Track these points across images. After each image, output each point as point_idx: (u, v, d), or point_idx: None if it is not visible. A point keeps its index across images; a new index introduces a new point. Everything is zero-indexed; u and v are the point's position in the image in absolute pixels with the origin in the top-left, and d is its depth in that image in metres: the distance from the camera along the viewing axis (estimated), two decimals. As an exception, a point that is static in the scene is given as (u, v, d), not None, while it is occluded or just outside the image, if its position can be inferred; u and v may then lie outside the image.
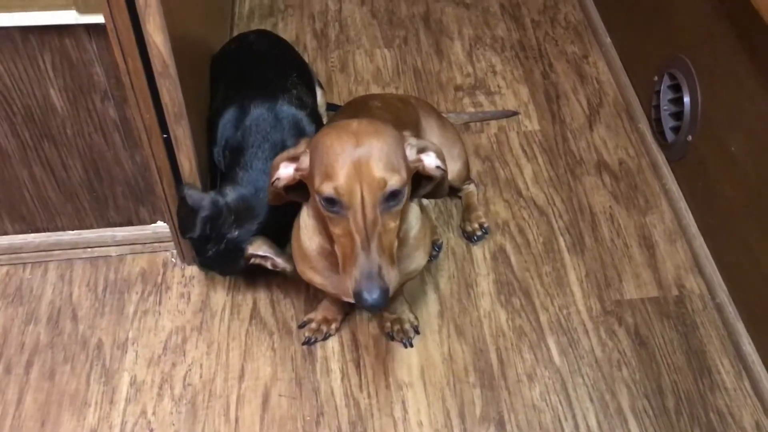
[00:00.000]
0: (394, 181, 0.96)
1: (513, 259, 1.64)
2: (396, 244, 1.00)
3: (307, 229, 1.18)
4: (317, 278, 1.23)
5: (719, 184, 1.56)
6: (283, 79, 1.52)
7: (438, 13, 2.25)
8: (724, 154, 1.52)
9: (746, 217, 1.47)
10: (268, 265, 1.41)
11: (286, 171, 1.08)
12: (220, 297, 1.56)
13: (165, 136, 1.33)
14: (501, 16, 2.24)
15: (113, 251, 1.61)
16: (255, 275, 1.58)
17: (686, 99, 1.64)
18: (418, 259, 1.25)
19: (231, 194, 1.39)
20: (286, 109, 1.46)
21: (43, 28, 1.19)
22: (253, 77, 1.52)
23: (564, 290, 1.59)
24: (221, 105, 1.49)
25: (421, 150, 1.07)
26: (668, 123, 1.75)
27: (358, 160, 0.95)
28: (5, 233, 1.56)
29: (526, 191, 1.77)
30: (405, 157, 1.02)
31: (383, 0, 2.29)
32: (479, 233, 1.65)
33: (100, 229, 1.58)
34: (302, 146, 1.07)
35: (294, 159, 1.07)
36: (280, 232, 1.42)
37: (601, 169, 1.82)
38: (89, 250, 1.61)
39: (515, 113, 1.94)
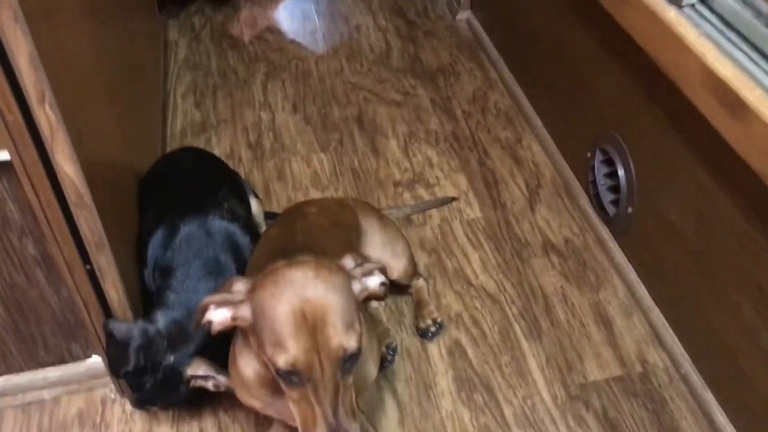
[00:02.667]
0: (353, 343, 0.90)
1: (470, 352, 1.58)
2: (354, 402, 0.94)
3: (242, 356, 1.12)
4: (259, 405, 1.15)
5: (665, 253, 1.54)
6: (213, 193, 1.49)
7: (371, 114, 2.26)
8: (665, 223, 1.52)
9: (695, 282, 1.44)
10: (210, 385, 1.33)
11: (220, 316, 0.99)
12: (164, 430, 1.46)
13: (88, 267, 1.26)
14: (432, 110, 2.27)
15: (46, 394, 1.51)
16: (199, 403, 1.48)
17: (621, 173, 1.65)
18: (369, 372, 1.19)
19: (162, 319, 1.32)
20: (218, 224, 1.42)
21: (-51, 169, 1.14)
22: (181, 195, 1.48)
23: (526, 379, 1.52)
24: (150, 226, 1.44)
25: (366, 274, 1.02)
26: (607, 197, 1.76)
27: (313, 327, 0.89)
28: (-74, 388, 1.45)
29: (476, 280, 1.73)
30: (357, 303, 0.97)
31: (315, 106, 2.30)
32: (433, 329, 1.59)
33: (30, 372, 1.48)
34: (239, 294, 0.98)
35: (227, 304, 0.99)
36: (219, 352, 1.34)
37: (547, 250, 1.80)
38: (20, 395, 1.50)
39: (453, 199, 1.93)
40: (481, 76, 2.39)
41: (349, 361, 0.91)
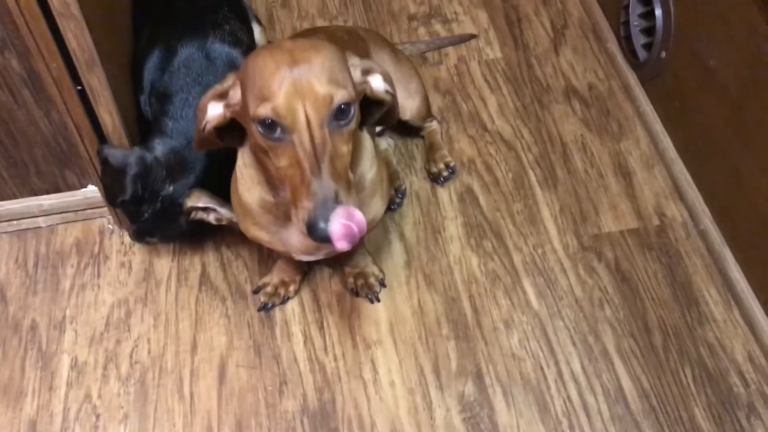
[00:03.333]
0: (341, 96, 0.84)
1: (482, 199, 1.52)
2: (350, 174, 0.87)
3: (245, 180, 1.05)
4: (262, 235, 1.09)
5: (697, 103, 1.44)
6: (213, 12, 1.36)
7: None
8: (702, 69, 1.40)
9: (728, 135, 1.35)
10: (212, 219, 1.27)
11: (214, 111, 0.94)
12: (164, 263, 1.42)
13: (79, 87, 1.16)
14: (454, -64, 2.06)
15: (42, 222, 1.46)
16: (201, 237, 1.44)
17: (658, 12, 1.51)
18: (375, 207, 1.12)
19: (160, 147, 1.24)
20: (219, 48, 1.30)
21: None
22: (179, 12, 1.35)
23: (538, 228, 1.47)
24: (146, 46, 1.32)
25: (366, 71, 0.94)
26: (639, 40, 1.62)
27: (298, 77, 0.83)
28: None
29: (492, 125, 1.64)
30: (350, 74, 0.90)
31: (325, -73, 2.09)
32: (446, 174, 1.52)
33: (24, 199, 1.42)
34: (230, 79, 0.93)
35: (223, 95, 0.93)
36: (221, 184, 1.28)
37: (569, 96, 1.69)
38: (14, 222, 1.45)
39: (473, 36, 1.79)
40: None
41: (339, 116, 0.85)
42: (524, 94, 1.69)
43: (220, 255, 1.43)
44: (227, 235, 1.44)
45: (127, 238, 1.45)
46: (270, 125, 0.85)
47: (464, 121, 1.64)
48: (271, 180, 0.98)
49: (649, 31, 1.58)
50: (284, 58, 0.84)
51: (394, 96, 0.98)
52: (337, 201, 0.83)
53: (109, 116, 1.20)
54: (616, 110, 1.66)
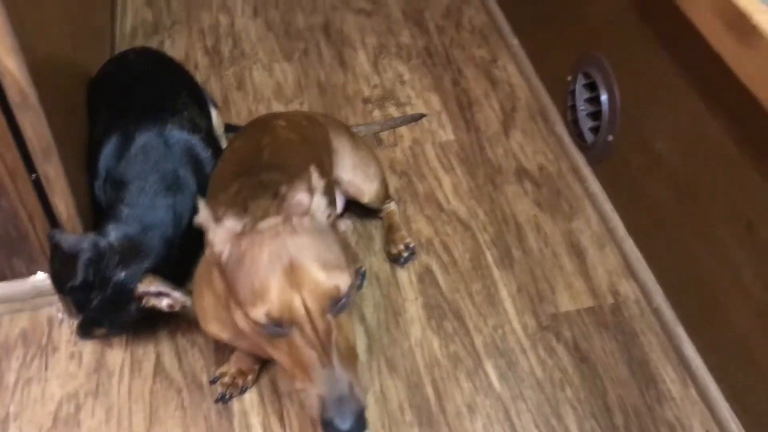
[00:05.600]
0: (342, 282, 0.81)
1: (441, 279, 1.52)
2: (355, 340, 0.86)
3: (212, 279, 1.02)
4: (225, 334, 1.07)
5: (646, 184, 1.50)
6: (172, 100, 1.36)
7: (338, 23, 2.12)
8: (649, 152, 1.46)
9: (677, 215, 1.41)
10: (164, 305, 1.24)
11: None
12: (117, 353, 1.37)
13: (34, 176, 1.13)
14: (404, 22, 2.13)
15: (-14, 312, 1.39)
16: (154, 326, 1.40)
17: (603, 97, 1.58)
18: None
19: (114, 233, 1.21)
20: (177, 134, 1.30)
21: None
22: (136, 100, 1.35)
23: (497, 308, 1.48)
24: (102, 133, 1.31)
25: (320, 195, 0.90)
26: (586, 124, 1.69)
27: (291, 272, 0.79)
28: None
29: (448, 205, 1.66)
30: (338, 243, 0.87)
31: (278, 11, 2.14)
32: (406, 254, 1.52)
33: (-32, 288, 1.36)
34: (216, 234, 0.88)
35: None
36: (175, 272, 1.25)
37: (521, 176, 1.73)
38: (-44, 313, 1.38)
39: (423, 115, 1.84)
40: (455, -11, 2.26)
41: (341, 300, 0.82)
42: (478, 174, 1.73)
43: (174, 343, 1.39)
44: (182, 322, 1.41)
45: (77, 328, 1.39)
46: (267, 327, 0.81)
47: (421, 202, 1.66)
48: None
49: (595, 115, 1.65)
50: (274, 252, 0.80)
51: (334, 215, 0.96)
52: (352, 395, 0.79)
53: (63, 204, 1.18)
54: (566, 191, 1.71)
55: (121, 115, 1.31)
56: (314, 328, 0.79)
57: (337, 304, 0.81)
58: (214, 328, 1.06)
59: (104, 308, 1.22)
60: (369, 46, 2.05)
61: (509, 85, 1.96)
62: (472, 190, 1.70)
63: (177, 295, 1.22)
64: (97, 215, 1.33)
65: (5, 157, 1.08)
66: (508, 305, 1.49)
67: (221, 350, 1.38)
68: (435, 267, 1.55)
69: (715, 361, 1.35)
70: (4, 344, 1.37)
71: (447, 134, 1.82)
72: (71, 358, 1.36)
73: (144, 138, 1.27)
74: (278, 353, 0.83)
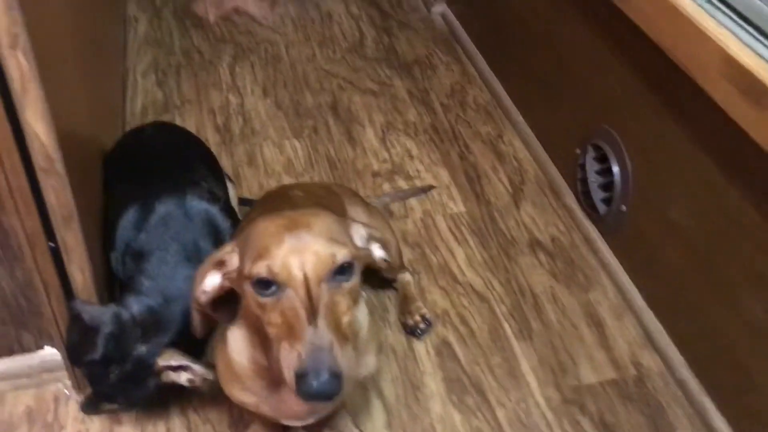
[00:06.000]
0: (343, 255, 0.83)
1: (459, 352, 1.49)
2: (348, 331, 0.84)
3: (235, 341, 1.00)
4: (250, 399, 1.03)
5: (662, 253, 1.49)
6: (190, 171, 1.36)
7: (346, 102, 2.16)
8: (664, 220, 1.46)
9: (697, 283, 1.39)
10: (183, 379, 1.20)
11: (212, 281, 0.93)
12: (126, 431, 1.31)
13: (52, 244, 1.11)
14: (410, 101, 2.18)
15: (-10, 389, 1.34)
16: (165, 401, 1.34)
17: (615, 169, 1.59)
18: (369, 363, 1.09)
19: (136, 305, 1.18)
20: (197, 205, 1.29)
21: None
22: (155, 171, 1.34)
23: (518, 381, 1.44)
24: (119, 205, 1.29)
25: (370, 239, 0.96)
26: (598, 195, 1.70)
27: (297, 237, 0.83)
28: None
29: (462, 276, 1.65)
30: (350, 237, 0.91)
31: (287, 92, 2.18)
32: (422, 326, 1.49)
33: (-27, 364, 1.31)
34: (228, 247, 0.92)
35: (220, 264, 0.91)
36: (195, 345, 1.22)
37: (534, 248, 1.73)
38: (-41, 390, 1.33)
39: (432, 187, 1.85)
40: (458, 70, 2.32)
41: (340, 273, 0.84)
42: (490, 246, 1.72)
43: (186, 420, 1.34)
44: (194, 397, 1.36)
45: (84, 405, 1.34)
46: (263, 283, 0.83)
47: (435, 273, 1.65)
48: (265, 342, 0.94)
49: (607, 186, 1.66)
50: (284, 223, 0.86)
51: (389, 263, 1.00)
52: (331, 353, 0.79)
53: (80, 274, 1.15)
54: (580, 261, 1.70)
55: (139, 187, 1.31)
56: (308, 292, 0.80)
57: (335, 275, 0.83)
58: (236, 390, 1.03)
59: (122, 383, 1.17)
60: (377, 123, 2.08)
61: (516, 159, 1.98)
62: (486, 261, 1.69)
63: (198, 368, 1.18)
64: (111, 288, 1.30)
65: (26, 223, 1.07)
66: (530, 378, 1.45)
67: (235, 425, 1.33)
68: (452, 339, 1.51)
69: (746, 430, 1.30)
70: (8, 422, 1.31)
71: (457, 206, 1.82)
72: (78, 437, 1.30)
73: (164, 208, 1.26)
74: (271, 316, 0.83)
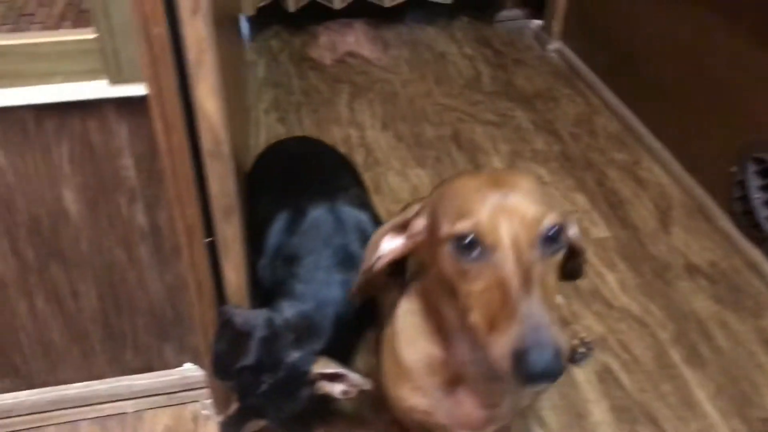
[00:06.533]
0: (553, 218, 0.73)
1: (624, 379, 1.34)
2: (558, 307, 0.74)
3: (407, 331, 0.90)
4: (422, 402, 0.92)
5: None
6: (337, 178, 1.30)
7: (468, 133, 2.09)
8: None
9: None
10: (337, 391, 1.10)
11: (392, 244, 0.84)
12: (269, 455, 1.22)
13: (209, 239, 1.06)
14: (535, 131, 2.09)
15: (129, 406, 1.28)
16: (309, 426, 1.25)
17: (785, 180, 1.45)
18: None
19: (288, 310, 1.11)
20: (348, 211, 1.22)
21: (63, 108, 0.96)
22: (303, 179, 1.29)
23: (695, 411, 1.28)
24: (268, 213, 1.24)
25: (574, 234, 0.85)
26: (763, 213, 1.55)
27: (503, 195, 0.73)
28: (-9, 392, 1.23)
29: (616, 301, 1.51)
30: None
31: (406, 125, 2.14)
32: (582, 350, 1.36)
33: (113, 379, 1.26)
34: (413, 209, 0.84)
35: (403, 227, 0.83)
36: (347, 353, 1.13)
37: (692, 273, 1.58)
38: (98, 407, 1.27)
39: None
40: (582, 102, 2.23)
41: (550, 241, 0.72)
42: (643, 271, 1.58)
43: (333, 444, 1.23)
44: (339, 421, 1.26)
45: (225, 426, 1.25)
46: (468, 245, 0.73)
47: (585, 298, 1.51)
48: (444, 328, 0.84)
49: (774, 201, 1.51)
50: (487, 180, 0.76)
51: (581, 255, 0.88)
52: (552, 328, 0.67)
53: (234, 273, 1.09)
54: (746, 287, 1.54)
55: (288, 194, 1.25)
56: (518, 257, 0.70)
57: (545, 242, 0.72)
58: (406, 392, 0.92)
59: (273, 393, 1.08)
60: (502, 152, 2.00)
61: (658, 185, 1.85)
62: (640, 286, 1.54)
63: (355, 377, 1.08)
64: (257, 297, 1.23)
65: (186, 213, 1.02)
66: (708, 408, 1.28)
67: (386, 453, 1.21)
68: (615, 366, 1.37)
69: None
70: (147, 442, 1.24)
71: (601, 231, 1.70)
72: (220, 458, 1.21)
73: (316, 213, 1.20)
74: (473, 285, 0.72)
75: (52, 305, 1.15)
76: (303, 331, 1.10)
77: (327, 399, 1.14)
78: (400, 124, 2.15)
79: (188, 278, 1.09)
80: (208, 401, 1.28)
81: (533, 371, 0.66)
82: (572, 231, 0.86)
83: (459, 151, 2.01)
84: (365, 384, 1.08)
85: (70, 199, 1.04)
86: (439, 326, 0.86)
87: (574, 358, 1.36)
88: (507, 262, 0.71)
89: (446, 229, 0.75)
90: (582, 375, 1.35)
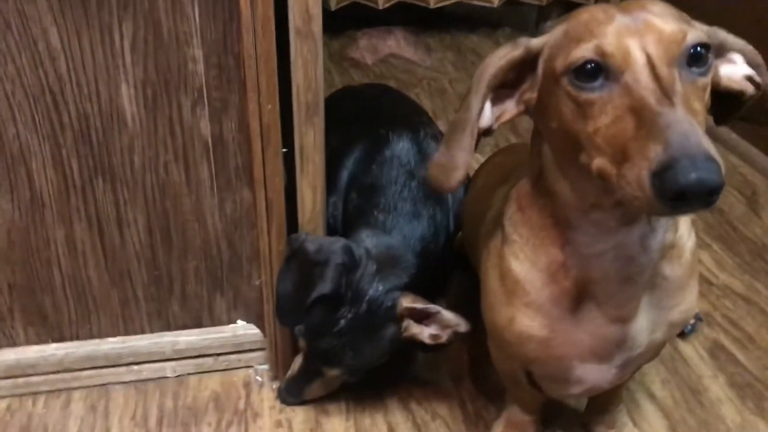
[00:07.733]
0: (695, 35, 0.60)
1: (740, 355, 1.16)
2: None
3: (521, 231, 0.75)
4: (536, 324, 0.75)
5: None
6: (418, 114, 1.17)
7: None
8: None
9: None
10: (426, 336, 0.93)
11: (490, 112, 0.72)
12: (337, 424, 1.03)
13: (285, 150, 0.91)
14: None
15: (170, 369, 1.10)
16: (380, 388, 1.07)
17: None
18: (690, 298, 0.80)
19: (370, 239, 0.95)
20: (432, 145, 1.08)
21: None
22: (384, 111, 1.16)
23: (830, 391, 1.10)
24: (343, 144, 1.10)
25: (718, 48, 0.67)
26: None
27: (633, 17, 0.60)
28: (12, 344, 1.05)
29: (716, 279, 1.34)
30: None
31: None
32: (692, 321, 1.19)
33: (155, 335, 1.08)
34: (519, 47, 0.67)
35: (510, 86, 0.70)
36: (431, 295, 0.96)
37: (795, 254, 1.41)
38: (135, 368, 1.09)
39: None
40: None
41: (694, 61, 0.60)
42: (740, 251, 1.42)
43: (410, 414, 1.05)
44: (415, 388, 1.08)
45: (282, 392, 1.07)
46: (589, 72, 0.60)
47: (680, 276, 1.35)
48: (563, 219, 0.70)
49: None
50: (612, 9, 0.63)
51: (759, 85, 0.70)
52: (702, 137, 0.54)
53: (311, 192, 0.93)
54: None
55: (367, 125, 1.11)
56: (655, 74, 0.57)
57: (688, 62, 0.59)
58: (521, 314, 0.75)
59: (353, 332, 0.91)
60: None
61: (739, 174, 1.70)
62: (740, 265, 1.38)
63: (450, 316, 0.91)
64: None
65: (264, 111, 0.86)
66: None
67: (474, 424, 1.02)
68: (726, 342, 1.19)
69: None
70: (191, 408, 1.05)
71: (686, 213, 1.54)
72: (278, 426, 1.02)
73: (400, 143, 1.06)
74: (598, 120, 0.59)
75: (93, 236, 0.99)
76: (386, 263, 0.94)
77: (408, 356, 0.97)
78: (451, 115, 2.03)
79: (258, 195, 0.93)
80: (263, 367, 1.10)
81: (684, 181, 0.52)
82: (731, 71, 0.70)
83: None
84: (461, 325, 0.91)
85: (128, 96, 0.90)
86: (557, 218, 0.71)
87: (684, 330, 1.18)
88: (641, 77, 0.58)
89: (561, 62, 0.62)
90: (689, 350, 1.17)
